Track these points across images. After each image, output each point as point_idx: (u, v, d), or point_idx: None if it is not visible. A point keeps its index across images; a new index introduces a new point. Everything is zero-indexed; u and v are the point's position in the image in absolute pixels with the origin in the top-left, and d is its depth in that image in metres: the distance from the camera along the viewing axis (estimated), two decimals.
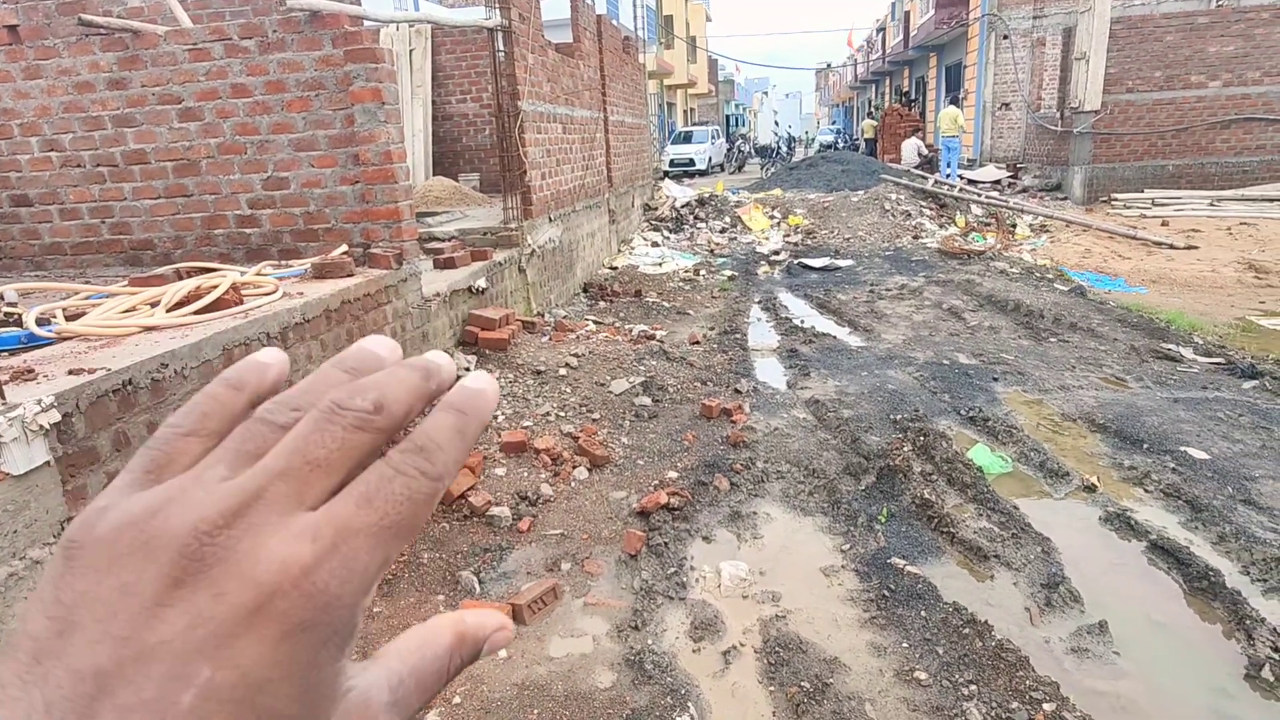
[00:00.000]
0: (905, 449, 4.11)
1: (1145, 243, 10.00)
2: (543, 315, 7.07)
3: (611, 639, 2.80)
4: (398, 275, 4.47)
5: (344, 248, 4.56)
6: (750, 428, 4.58)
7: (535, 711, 2.45)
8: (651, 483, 3.96)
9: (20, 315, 3.16)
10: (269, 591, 0.25)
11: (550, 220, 7.72)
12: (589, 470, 4.15)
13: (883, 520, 3.49)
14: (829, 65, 60.85)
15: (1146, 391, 4.97)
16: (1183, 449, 3.99)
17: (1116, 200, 12.29)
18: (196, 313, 3.28)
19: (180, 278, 4.00)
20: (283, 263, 4.55)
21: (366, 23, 5.50)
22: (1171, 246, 9.75)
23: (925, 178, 13.21)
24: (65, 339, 3.04)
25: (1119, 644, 2.67)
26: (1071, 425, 4.50)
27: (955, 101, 15.80)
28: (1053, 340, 6.18)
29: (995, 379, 5.29)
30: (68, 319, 3.27)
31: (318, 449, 0.28)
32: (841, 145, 29.36)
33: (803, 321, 7.18)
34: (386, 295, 4.36)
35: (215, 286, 3.36)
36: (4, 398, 2.18)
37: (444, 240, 6.71)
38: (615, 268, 9.95)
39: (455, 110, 10.65)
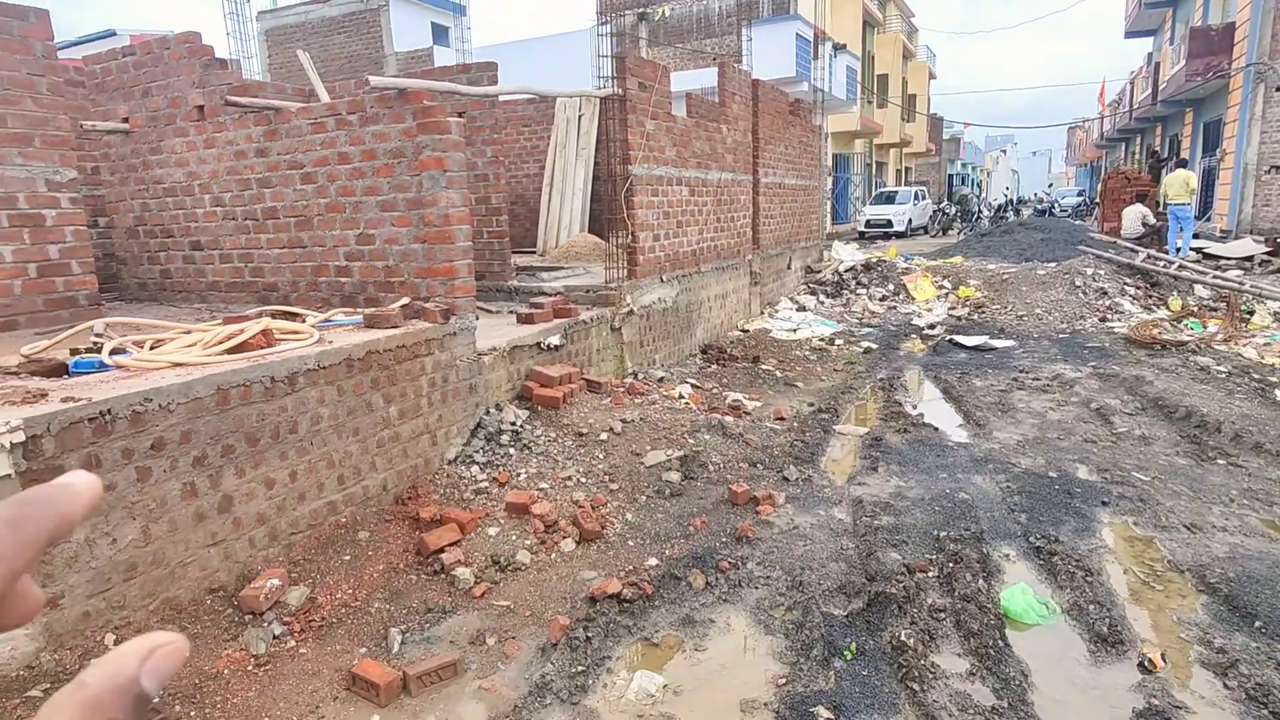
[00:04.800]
0: (928, 574, 3.49)
1: None
2: (636, 375, 7.06)
3: None
4: (443, 329, 4.73)
5: (406, 300, 4.94)
6: (768, 522, 4.17)
7: None
8: (628, 567, 3.74)
9: (102, 344, 3.82)
10: None
11: (663, 281, 7.74)
12: (576, 543, 4.03)
13: (847, 656, 2.97)
14: (1085, 121, 55.11)
15: None
16: None
17: None
18: (226, 353, 3.73)
19: (270, 318, 4.58)
20: (354, 311, 5.03)
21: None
22: None
23: (1136, 251, 11.33)
24: (120, 368, 3.61)
25: None
26: (1174, 578, 3.53)
27: (1184, 164, 13.47)
28: (1220, 462, 4.93)
29: (1105, 503, 4.33)
30: (151, 349, 3.88)
31: None
32: (1059, 210, 26.18)
33: (914, 407, 6.44)
34: (428, 348, 4.62)
35: (244, 330, 3.79)
36: None
37: (551, 295, 7.00)
38: (747, 330, 9.69)
39: (619, 171, 11.16)
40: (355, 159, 5.10)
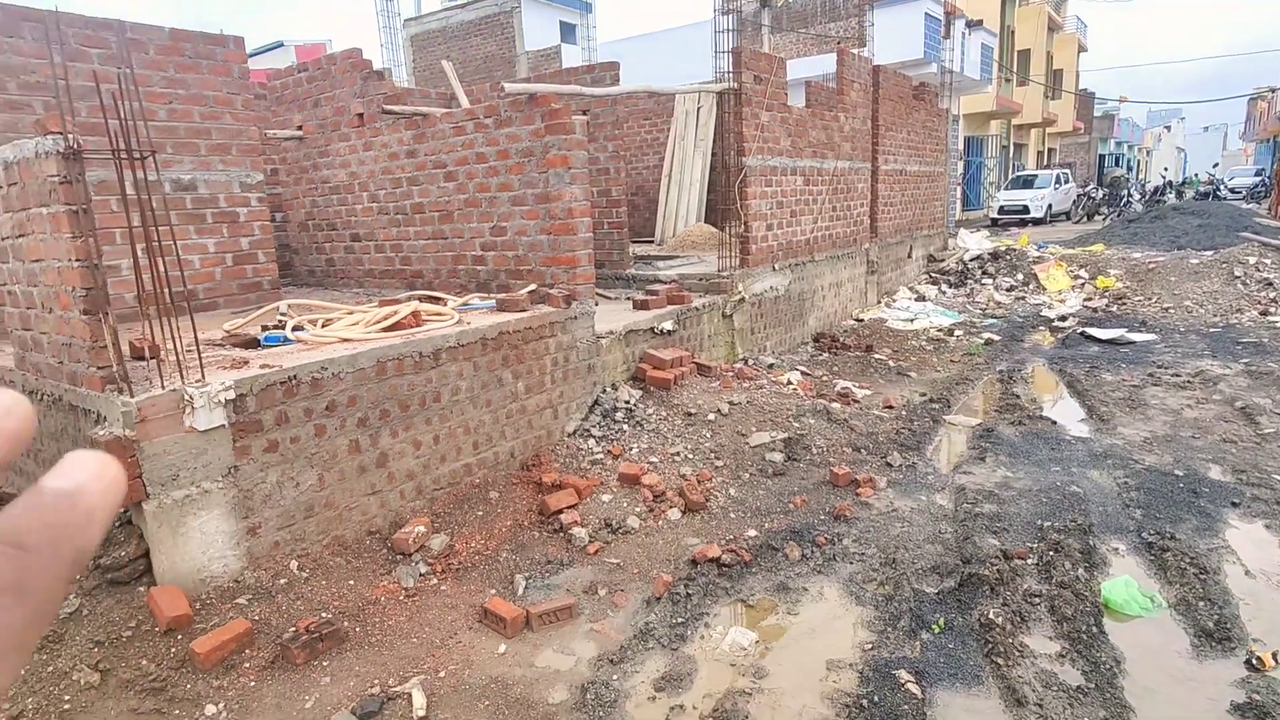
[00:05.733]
0: (1025, 561, 3.54)
1: None
2: (746, 361, 7.27)
3: (589, 665, 3.04)
4: (565, 314, 5.16)
5: (533, 286, 5.41)
6: (866, 504, 4.31)
7: (485, 703, 2.82)
8: (728, 536, 4.01)
9: (285, 322, 4.51)
10: None
11: (775, 269, 7.89)
12: (682, 513, 4.34)
13: (935, 630, 3.11)
14: (1270, 91, 48.86)
15: None
16: None
17: None
18: (382, 331, 4.31)
19: (418, 301, 5.19)
20: (489, 295, 5.56)
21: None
22: None
23: None
24: (300, 342, 4.27)
25: None
26: None
27: None
28: None
29: (1235, 504, 4.14)
30: (323, 327, 4.55)
31: None
32: (1227, 193, 23.36)
33: (1032, 400, 6.27)
34: (551, 330, 5.07)
35: (398, 311, 4.36)
36: (204, 378, 3.27)
37: (666, 283, 7.33)
38: (861, 320, 9.63)
39: (734, 163, 11.33)
40: (491, 159, 5.62)
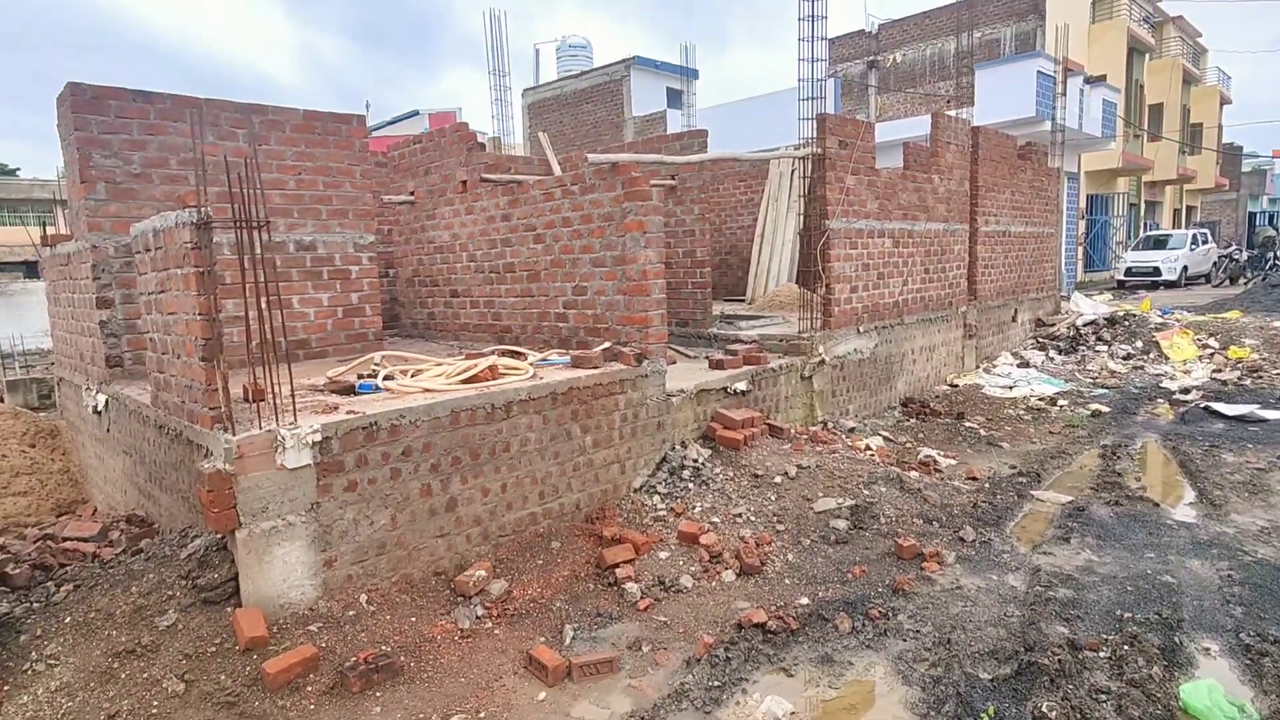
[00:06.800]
0: (1097, 654, 3.30)
1: None
2: (825, 424, 7.17)
3: (620, 719, 3.08)
4: (636, 371, 5.34)
5: (607, 344, 5.63)
6: (929, 579, 4.15)
7: None
8: (779, 602, 3.97)
9: (379, 372, 4.93)
10: None
11: (859, 332, 7.79)
12: (736, 575, 4.33)
13: (984, 718, 2.95)
14: None
15: None
16: None
17: None
18: (461, 383, 4.63)
19: (499, 356, 5.54)
20: (566, 351, 5.83)
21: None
22: None
23: None
24: (389, 391, 4.65)
25: None
26: None
27: None
28: None
29: None
30: (412, 377, 4.94)
31: None
32: None
33: (1136, 479, 5.83)
34: (621, 387, 5.25)
35: (477, 365, 4.68)
36: (296, 421, 3.65)
37: (746, 343, 7.40)
38: (956, 385, 9.27)
39: (816, 225, 11.35)
40: (575, 223, 5.98)
